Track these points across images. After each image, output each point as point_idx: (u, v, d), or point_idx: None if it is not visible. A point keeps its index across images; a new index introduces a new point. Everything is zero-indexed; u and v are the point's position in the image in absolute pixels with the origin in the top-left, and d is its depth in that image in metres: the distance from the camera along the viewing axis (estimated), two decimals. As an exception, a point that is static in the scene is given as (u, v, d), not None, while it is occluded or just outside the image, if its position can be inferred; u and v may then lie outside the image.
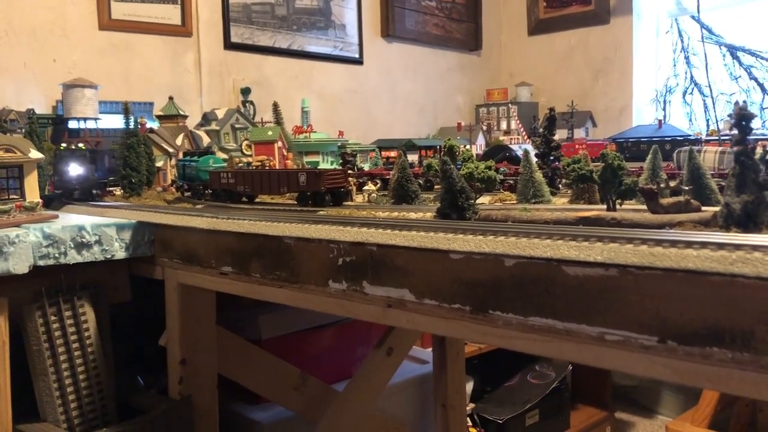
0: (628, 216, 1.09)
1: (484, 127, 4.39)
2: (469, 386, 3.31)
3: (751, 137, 1.03)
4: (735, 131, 1.00)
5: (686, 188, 1.23)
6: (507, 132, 4.57)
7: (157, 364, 1.91)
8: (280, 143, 2.36)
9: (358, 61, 4.52)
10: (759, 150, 1.33)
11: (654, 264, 0.82)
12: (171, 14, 3.59)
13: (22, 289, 1.63)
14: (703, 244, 0.82)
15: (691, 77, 4.91)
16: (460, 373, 2.67)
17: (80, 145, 2.42)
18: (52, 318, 1.67)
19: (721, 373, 0.81)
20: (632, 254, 0.84)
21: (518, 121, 4.64)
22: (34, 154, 1.72)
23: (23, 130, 2.57)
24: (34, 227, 1.57)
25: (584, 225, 1.08)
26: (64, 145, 2.37)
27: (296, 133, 2.86)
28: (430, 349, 2.72)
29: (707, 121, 4.66)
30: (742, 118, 0.98)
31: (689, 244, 0.83)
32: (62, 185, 2.18)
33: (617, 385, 4.48)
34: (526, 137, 4.07)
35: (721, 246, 0.81)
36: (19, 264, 1.51)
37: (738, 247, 0.80)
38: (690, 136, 3.04)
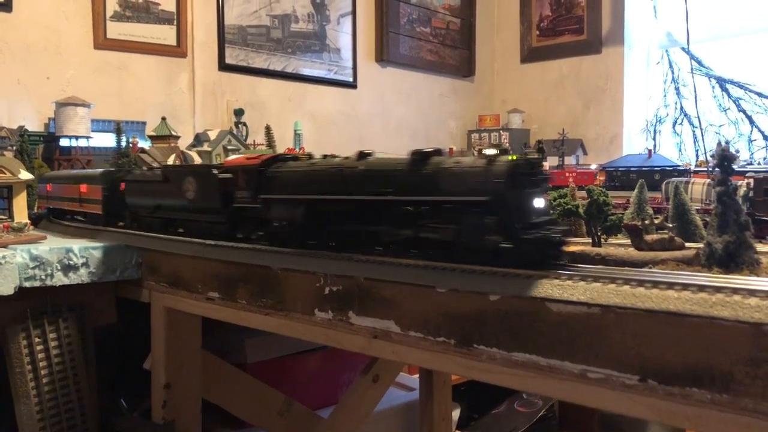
0: (612, 252, 1.10)
1: (476, 153, 4.42)
2: (456, 413, 3.28)
3: (739, 170, 1.04)
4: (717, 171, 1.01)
5: (670, 225, 1.24)
6: (498, 158, 4.59)
7: (141, 387, 1.90)
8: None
9: (352, 85, 4.55)
10: (743, 188, 1.35)
11: (636, 305, 0.83)
12: (166, 35, 3.61)
13: (7, 310, 1.62)
14: (685, 286, 0.83)
15: (681, 108, 4.97)
16: (447, 400, 2.66)
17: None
18: (36, 340, 1.66)
19: (701, 414, 0.81)
20: (614, 294, 0.85)
21: (509, 148, 4.67)
22: (24, 175, 1.72)
23: (14, 148, 2.57)
24: (22, 248, 1.57)
25: (569, 261, 1.08)
26: (493, 152, 1.18)
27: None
28: (417, 376, 2.71)
29: (696, 151, 4.71)
30: (724, 158, 0.99)
31: (671, 285, 0.84)
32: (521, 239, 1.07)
33: (604, 414, 4.46)
34: (516, 164, 4.08)
35: (701, 288, 0.82)
36: (5, 285, 1.50)
37: (718, 289, 0.81)
38: (679, 166, 3.07)
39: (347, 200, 1.28)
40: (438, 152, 1.18)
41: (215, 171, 1.58)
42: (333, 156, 1.42)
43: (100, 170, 2.05)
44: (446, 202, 1.13)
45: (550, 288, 0.90)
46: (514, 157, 1.07)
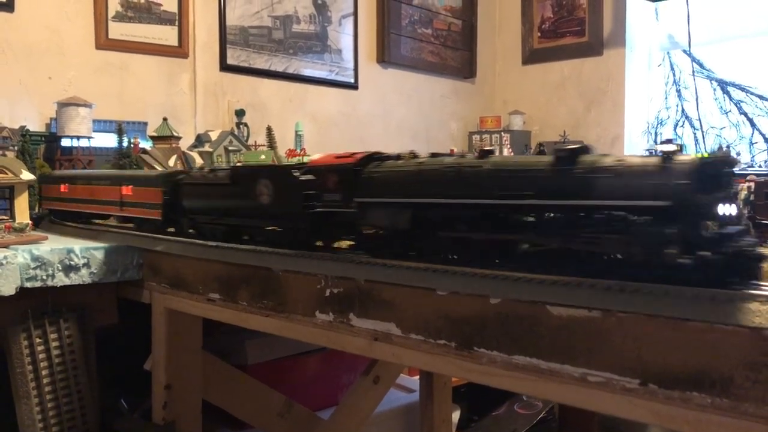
0: (613, 255, 1.10)
1: (476, 154, 4.41)
2: (456, 415, 3.29)
3: (740, 172, 1.04)
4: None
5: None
6: (499, 160, 4.59)
7: (141, 387, 1.90)
8: (272, 168, 2.36)
9: (353, 86, 4.55)
10: (743, 191, 1.36)
11: (636, 309, 0.83)
12: (168, 35, 3.61)
13: (8, 310, 1.62)
14: (685, 290, 0.83)
15: (683, 110, 4.96)
16: (447, 402, 2.66)
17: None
18: (37, 340, 1.66)
19: (701, 418, 0.81)
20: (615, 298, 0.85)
21: (510, 149, 4.67)
22: (26, 175, 1.72)
23: (15, 148, 2.57)
24: (23, 249, 1.57)
25: (570, 264, 1.07)
26: (671, 147, 0.98)
27: (289, 156, 2.87)
28: (417, 378, 2.71)
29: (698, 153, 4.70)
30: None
31: (672, 289, 0.84)
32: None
33: (604, 417, 4.47)
34: (517, 166, 4.08)
35: (702, 292, 0.82)
36: (6, 286, 1.51)
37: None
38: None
39: (470, 205, 1.10)
40: (586, 149, 1.01)
41: (296, 172, 1.40)
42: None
43: (156, 171, 1.91)
44: (614, 207, 0.93)
45: (552, 292, 0.90)
46: (705, 155, 0.90)
